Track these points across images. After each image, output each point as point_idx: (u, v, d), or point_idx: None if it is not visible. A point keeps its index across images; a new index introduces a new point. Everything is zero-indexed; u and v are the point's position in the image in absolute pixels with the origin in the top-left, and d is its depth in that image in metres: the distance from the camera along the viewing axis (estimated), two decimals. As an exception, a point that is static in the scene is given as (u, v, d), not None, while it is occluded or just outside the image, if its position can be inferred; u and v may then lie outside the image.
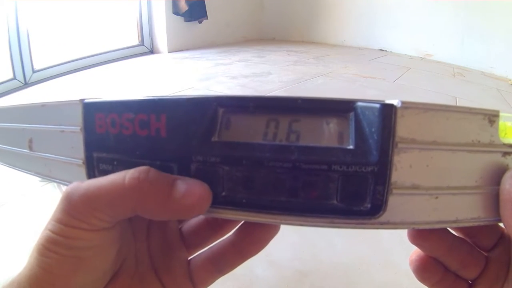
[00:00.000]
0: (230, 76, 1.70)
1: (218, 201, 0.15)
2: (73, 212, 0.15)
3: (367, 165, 0.15)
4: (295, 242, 0.52)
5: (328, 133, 0.15)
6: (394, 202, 0.15)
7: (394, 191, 0.15)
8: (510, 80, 1.92)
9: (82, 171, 0.18)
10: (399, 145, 0.15)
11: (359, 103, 0.15)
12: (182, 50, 2.45)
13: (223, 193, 0.15)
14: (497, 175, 0.16)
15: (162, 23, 2.33)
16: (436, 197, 0.15)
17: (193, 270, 0.20)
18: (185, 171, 0.16)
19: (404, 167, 0.15)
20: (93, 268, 0.16)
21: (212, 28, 2.63)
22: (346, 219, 0.15)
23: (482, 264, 0.19)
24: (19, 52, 1.62)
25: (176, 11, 2.34)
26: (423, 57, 2.40)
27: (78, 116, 0.18)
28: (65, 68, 1.86)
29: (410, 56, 2.42)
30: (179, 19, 2.38)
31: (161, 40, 2.38)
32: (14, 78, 1.62)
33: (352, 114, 0.15)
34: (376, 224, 0.15)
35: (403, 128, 0.15)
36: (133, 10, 2.33)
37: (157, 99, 0.16)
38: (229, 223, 0.20)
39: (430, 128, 0.15)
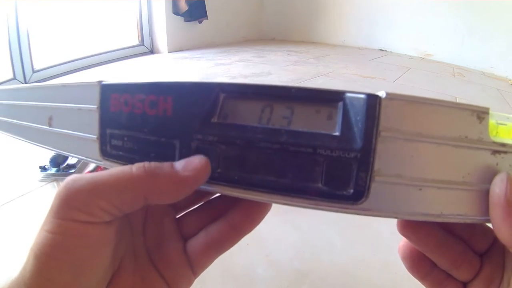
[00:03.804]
0: (230, 76, 1.70)
1: (214, 177, 0.17)
2: (74, 202, 0.15)
3: (350, 151, 0.15)
4: (295, 242, 0.52)
5: (317, 120, 0.16)
6: (377, 189, 0.16)
7: (377, 178, 0.15)
8: (510, 80, 1.92)
9: (96, 146, 0.19)
10: (383, 134, 0.15)
11: (348, 94, 0.16)
12: (182, 50, 2.45)
13: (218, 170, 0.17)
14: (486, 173, 0.16)
15: (162, 23, 2.33)
16: (420, 189, 0.16)
17: (191, 255, 0.20)
18: (186, 148, 0.17)
19: (388, 156, 0.15)
20: (94, 269, 0.16)
21: (212, 28, 2.63)
22: (329, 203, 0.16)
23: (476, 266, 0.19)
24: (19, 52, 1.62)
25: (176, 11, 2.34)
26: (423, 57, 2.40)
27: (95, 96, 0.19)
28: (65, 68, 1.86)
29: (410, 56, 2.42)
30: (179, 19, 2.39)
31: (161, 40, 2.38)
32: (14, 78, 1.62)
33: (340, 104, 0.16)
34: (359, 210, 0.16)
35: (387, 118, 0.15)
36: (133, 10, 2.33)
37: (166, 82, 0.18)
38: (224, 207, 0.21)
39: (415, 120, 0.16)
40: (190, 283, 0.20)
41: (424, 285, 0.21)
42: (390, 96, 0.16)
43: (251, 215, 0.19)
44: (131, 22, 2.35)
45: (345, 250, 0.53)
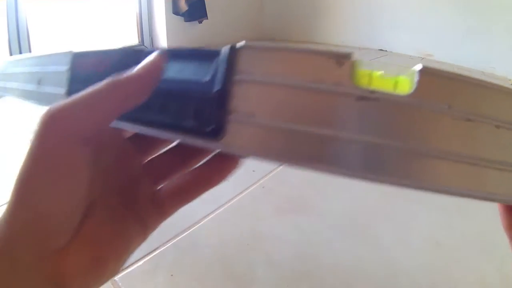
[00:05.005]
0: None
1: (126, 117, 0.20)
2: (54, 121, 0.16)
3: (211, 93, 0.18)
4: (295, 242, 0.52)
5: (196, 71, 0.20)
6: (234, 127, 0.17)
7: (232, 116, 0.17)
8: (510, 80, 1.92)
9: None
10: (237, 77, 0.18)
11: (223, 49, 0.19)
12: (182, 50, 2.45)
13: (131, 112, 0.20)
14: (351, 119, 0.16)
15: (162, 23, 2.34)
16: (280, 132, 0.17)
17: (160, 199, 0.22)
18: None
19: (243, 97, 0.17)
20: (69, 195, 0.17)
21: (212, 28, 2.63)
22: (197, 138, 0.18)
23: None
24: (19, 52, 1.62)
25: (176, 11, 2.34)
26: (423, 57, 2.40)
27: (68, 60, 0.25)
28: (65, 68, 1.86)
29: (410, 56, 2.42)
30: (179, 19, 2.39)
31: (161, 40, 2.38)
32: (14, 78, 1.63)
33: (217, 58, 0.19)
34: (219, 145, 0.18)
35: (243, 64, 0.18)
36: (133, 10, 2.33)
37: (105, 50, 0.23)
38: (191, 156, 0.23)
39: (271, 65, 0.17)
40: (157, 225, 0.22)
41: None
42: (246, 45, 0.18)
43: (221, 168, 0.21)
44: (131, 22, 2.35)
45: (345, 250, 0.53)
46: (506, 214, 0.20)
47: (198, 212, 0.54)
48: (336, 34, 2.83)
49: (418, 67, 0.16)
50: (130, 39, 2.34)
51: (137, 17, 2.36)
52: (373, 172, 0.16)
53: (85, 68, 0.22)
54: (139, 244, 0.21)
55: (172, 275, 0.42)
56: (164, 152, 0.23)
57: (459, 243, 0.56)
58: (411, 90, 0.16)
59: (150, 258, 0.44)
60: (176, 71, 0.20)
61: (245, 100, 0.17)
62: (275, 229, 0.54)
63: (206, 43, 2.61)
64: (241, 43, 0.18)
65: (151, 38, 2.41)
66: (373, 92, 0.16)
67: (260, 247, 0.50)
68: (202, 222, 0.52)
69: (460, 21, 2.19)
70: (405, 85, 0.16)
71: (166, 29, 2.33)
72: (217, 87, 0.18)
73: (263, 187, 0.64)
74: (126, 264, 0.44)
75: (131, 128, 0.21)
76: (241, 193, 0.62)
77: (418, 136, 0.15)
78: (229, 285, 0.43)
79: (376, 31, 2.62)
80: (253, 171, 0.67)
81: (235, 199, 0.60)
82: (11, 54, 1.59)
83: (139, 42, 2.39)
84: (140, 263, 0.43)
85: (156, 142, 0.23)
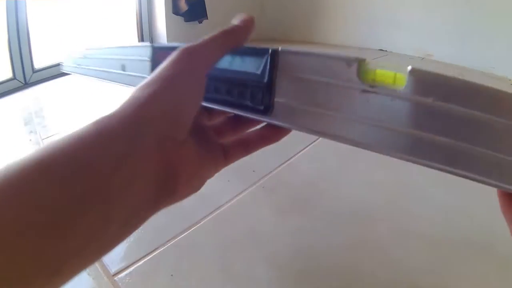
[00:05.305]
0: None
1: (207, 98, 0.27)
2: (190, 52, 0.23)
3: (262, 83, 0.25)
4: (295, 242, 0.52)
5: (252, 65, 0.27)
6: (277, 108, 0.26)
7: (276, 100, 0.25)
8: (510, 80, 1.92)
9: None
10: (278, 73, 0.25)
11: (270, 49, 0.25)
12: (182, 50, 2.45)
13: (209, 94, 0.27)
14: (357, 106, 0.22)
15: (162, 23, 2.34)
16: (307, 113, 0.24)
17: (226, 148, 0.29)
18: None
19: (282, 87, 0.25)
20: (190, 106, 0.23)
21: (212, 28, 2.61)
22: (252, 113, 0.26)
23: None
24: (19, 52, 1.62)
25: (176, 11, 2.34)
26: (423, 57, 2.40)
27: (148, 51, 0.33)
28: (65, 68, 1.86)
29: (410, 56, 2.42)
30: (179, 19, 2.39)
31: (161, 40, 2.38)
32: (14, 78, 1.63)
33: (266, 55, 0.26)
34: (267, 119, 0.26)
35: (282, 64, 0.25)
36: (133, 10, 2.33)
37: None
38: (244, 124, 0.30)
39: (304, 65, 0.24)
40: (223, 167, 0.29)
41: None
42: (284, 49, 0.25)
43: (276, 132, 0.29)
44: (131, 22, 2.35)
45: (345, 250, 0.53)
46: (503, 198, 0.21)
47: (198, 212, 0.54)
48: (336, 34, 2.83)
49: (409, 67, 0.20)
50: (130, 39, 2.34)
51: (137, 17, 2.36)
52: (368, 146, 0.22)
53: (163, 58, 0.27)
54: (210, 176, 0.28)
55: (172, 275, 0.42)
56: (226, 120, 0.31)
57: (459, 243, 0.56)
58: (403, 86, 0.20)
59: (150, 258, 0.44)
60: (238, 63, 0.28)
61: (284, 89, 0.25)
62: (275, 229, 0.54)
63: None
64: (280, 48, 0.25)
65: (151, 38, 2.41)
66: (373, 86, 0.21)
67: (260, 247, 0.50)
68: (202, 222, 0.52)
69: (460, 21, 2.19)
70: (402, 80, 0.20)
71: (166, 29, 2.33)
72: (265, 79, 0.26)
73: (263, 187, 0.64)
74: (126, 264, 0.44)
75: (208, 105, 0.29)
76: (241, 193, 0.62)
77: (404, 121, 0.20)
78: (229, 285, 0.43)
79: (376, 31, 2.62)
80: (253, 171, 0.67)
81: (235, 199, 0.60)
82: (11, 54, 1.60)
83: (139, 42, 2.39)
84: (140, 263, 0.43)
85: (219, 113, 0.31)
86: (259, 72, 0.26)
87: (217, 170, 0.29)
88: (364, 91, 0.22)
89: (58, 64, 1.86)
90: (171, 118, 0.22)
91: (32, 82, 1.68)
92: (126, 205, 0.19)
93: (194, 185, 0.25)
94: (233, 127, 0.31)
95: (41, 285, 0.16)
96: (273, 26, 3.10)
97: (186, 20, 2.41)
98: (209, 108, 0.30)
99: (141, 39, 2.38)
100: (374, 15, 2.59)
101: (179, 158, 0.22)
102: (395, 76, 0.21)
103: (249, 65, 0.27)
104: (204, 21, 2.50)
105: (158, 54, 0.32)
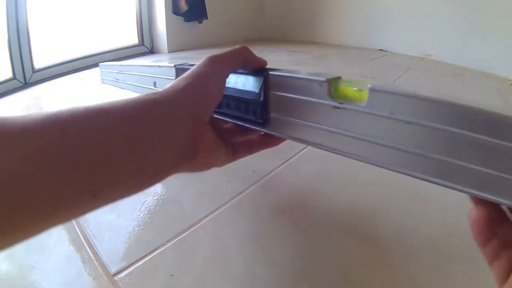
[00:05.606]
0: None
1: (219, 112, 0.37)
2: (216, 58, 0.31)
3: (260, 100, 0.32)
4: (295, 242, 0.52)
5: (252, 84, 0.33)
6: (273, 121, 0.32)
7: (271, 115, 0.32)
8: (510, 80, 1.92)
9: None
10: (270, 92, 0.31)
11: (264, 72, 0.32)
12: (182, 50, 2.45)
13: (222, 109, 0.37)
14: (329, 119, 0.27)
15: (162, 23, 2.33)
16: (293, 124, 0.30)
17: (235, 146, 0.37)
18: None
19: (275, 104, 0.31)
20: (215, 98, 0.30)
21: (212, 28, 2.63)
22: (256, 126, 0.33)
23: None
24: (19, 52, 1.62)
25: (176, 11, 2.34)
26: (423, 57, 2.40)
27: (173, 72, 0.44)
28: (65, 67, 1.86)
29: (410, 56, 2.42)
30: (179, 19, 2.39)
31: (161, 40, 2.38)
32: (14, 78, 1.62)
33: (262, 76, 0.32)
34: (266, 130, 0.33)
35: (273, 84, 0.31)
36: (133, 10, 2.33)
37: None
38: (249, 131, 0.38)
39: (287, 86, 0.30)
40: (231, 161, 0.38)
41: (483, 253, 0.23)
42: (274, 72, 0.31)
43: (270, 140, 0.39)
44: (131, 22, 2.35)
45: (345, 250, 0.53)
46: (475, 225, 0.24)
47: (198, 212, 0.54)
48: (336, 34, 2.83)
49: (369, 86, 0.24)
50: (130, 39, 2.34)
51: (137, 17, 2.35)
52: (339, 150, 0.26)
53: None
54: (218, 164, 0.34)
55: (172, 275, 0.42)
56: (236, 125, 0.38)
57: (459, 243, 0.56)
58: (365, 102, 0.24)
59: (150, 258, 0.44)
60: (242, 82, 0.34)
61: (276, 106, 0.31)
62: (275, 229, 0.54)
63: (206, 43, 2.60)
64: (269, 72, 0.31)
65: (151, 38, 2.41)
66: (341, 103, 0.25)
67: (260, 247, 0.50)
68: (202, 222, 0.52)
69: (460, 21, 2.18)
70: (364, 96, 0.24)
71: (166, 29, 2.33)
72: (261, 97, 0.31)
73: (263, 187, 0.64)
74: (126, 264, 0.44)
75: (222, 118, 0.37)
76: (241, 193, 0.62)
77: (368, 131, 0.24)
78: (229, 285, 0.43)
79: (376, 31, 2.61)
80: (253, 171, 0.67)
81: (235, 199, 0.60)
82: (11, 54, 1.60)
83: (139, 42, 2.39)
84: (140, 263, 0.43)
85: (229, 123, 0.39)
86: (257, 91, 0.31)
87: (224, 162, 0.35)
88: (335, 107, 0.26)
89: (58, 64, 1.86)
90: (199, 103, 0.28)
91: (32, 82, 1.68)
92: (160, 160, 0.24)
93: (208, 161, 0.32)
94: (241, 131, 0.39)
95: (80, 203, 0.20)
96: (273, 26, 3.10)
97: (186, 20, 2.41)
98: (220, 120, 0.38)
99: (141, 39, 2.38)
100: (374, 15, 2.59)
101: (202, 134, 0.29)
102: (359, 93, 0.24)
103: (251, 85, 0.33)
104: (204, 21, 2.50)
105: (179, 72, 0.41)
